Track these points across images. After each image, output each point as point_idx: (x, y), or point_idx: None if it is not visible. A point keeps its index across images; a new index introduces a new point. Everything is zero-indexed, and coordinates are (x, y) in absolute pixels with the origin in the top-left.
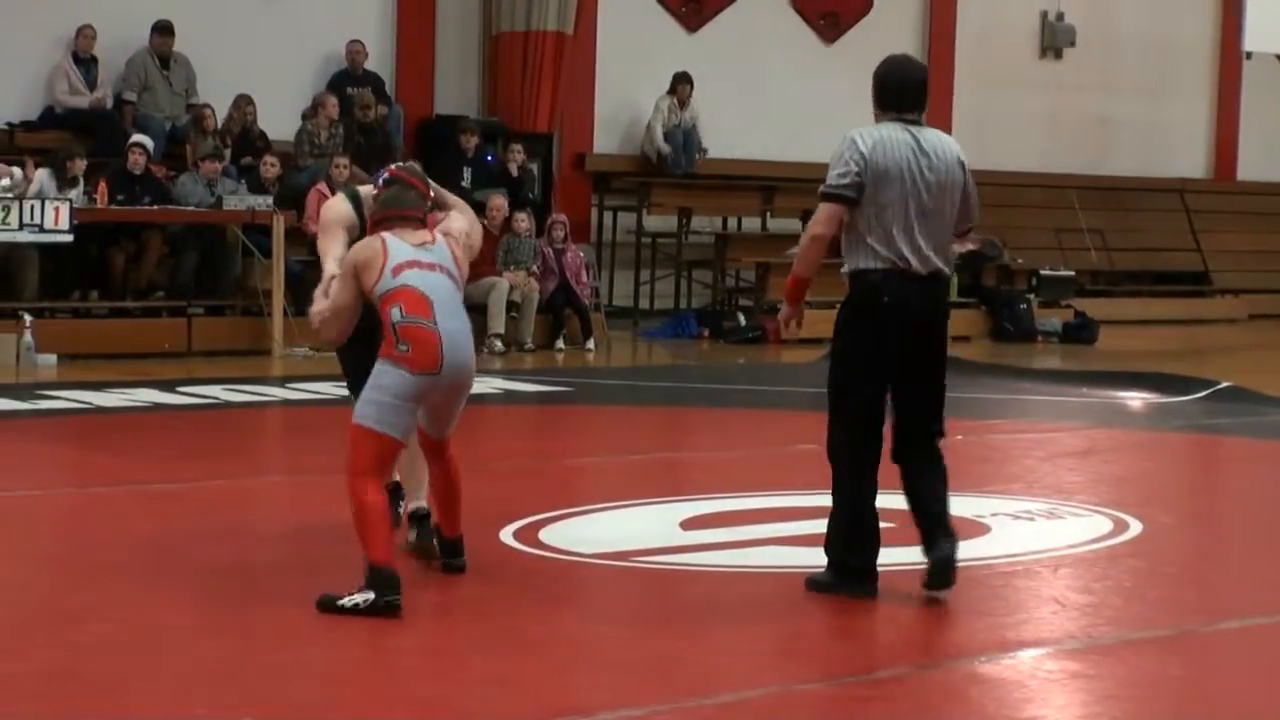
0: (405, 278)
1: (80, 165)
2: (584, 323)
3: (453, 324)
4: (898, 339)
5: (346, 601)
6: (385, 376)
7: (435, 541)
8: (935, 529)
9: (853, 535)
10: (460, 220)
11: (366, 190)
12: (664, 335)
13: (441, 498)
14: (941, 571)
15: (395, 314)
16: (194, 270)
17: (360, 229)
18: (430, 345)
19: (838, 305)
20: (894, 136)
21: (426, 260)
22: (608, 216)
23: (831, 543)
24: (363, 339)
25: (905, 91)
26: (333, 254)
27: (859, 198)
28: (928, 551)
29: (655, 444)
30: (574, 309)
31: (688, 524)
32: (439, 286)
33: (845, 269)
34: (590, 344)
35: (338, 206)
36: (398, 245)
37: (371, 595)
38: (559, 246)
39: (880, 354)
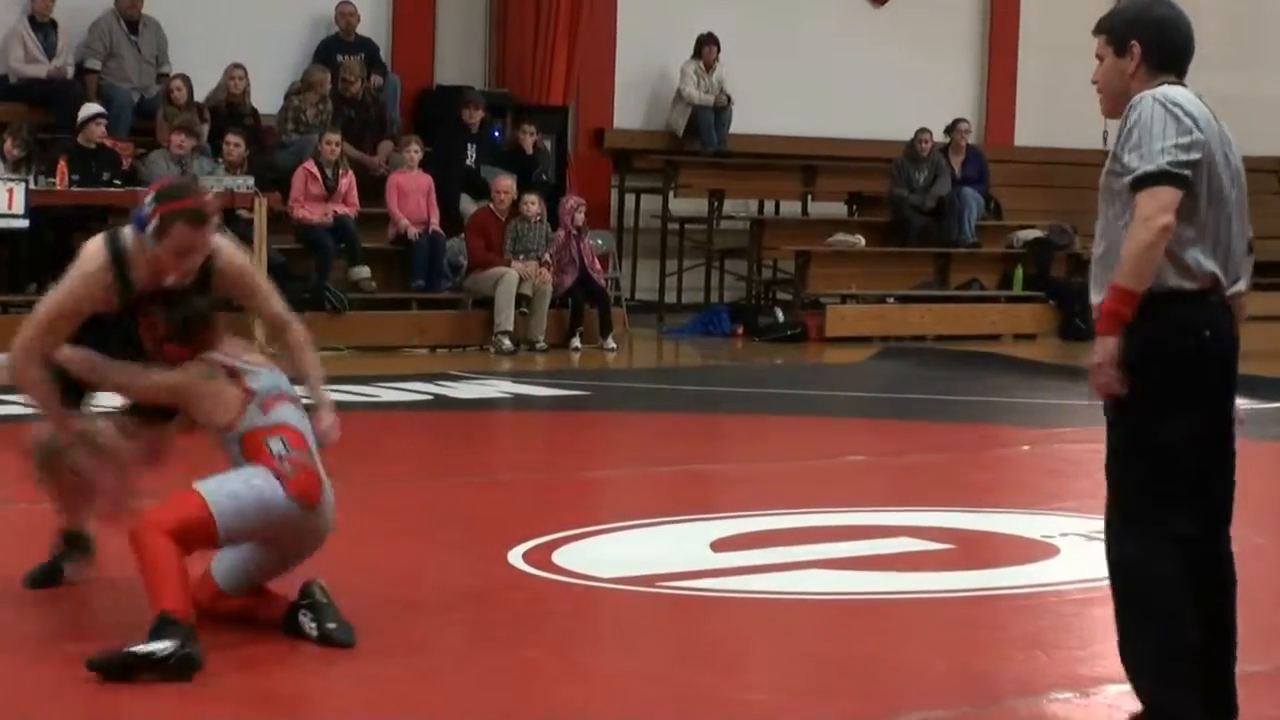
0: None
1: (13, 147)
2: (604, 318)
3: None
4: (1223, 393)
5: (140, 649)
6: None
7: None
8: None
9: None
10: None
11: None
12: (692, 333)
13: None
14: None
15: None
16: None
17: None
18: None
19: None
20: (1200, 104)
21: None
22: (629, 199)
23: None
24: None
25: (1190, 49)
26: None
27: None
28: None
29: (682, 455)
30: (593, 303)
31: (719, 545)
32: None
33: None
34: (610, 342)
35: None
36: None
37: (169, 645)
38: (576, 233)
39: (1205, 410)
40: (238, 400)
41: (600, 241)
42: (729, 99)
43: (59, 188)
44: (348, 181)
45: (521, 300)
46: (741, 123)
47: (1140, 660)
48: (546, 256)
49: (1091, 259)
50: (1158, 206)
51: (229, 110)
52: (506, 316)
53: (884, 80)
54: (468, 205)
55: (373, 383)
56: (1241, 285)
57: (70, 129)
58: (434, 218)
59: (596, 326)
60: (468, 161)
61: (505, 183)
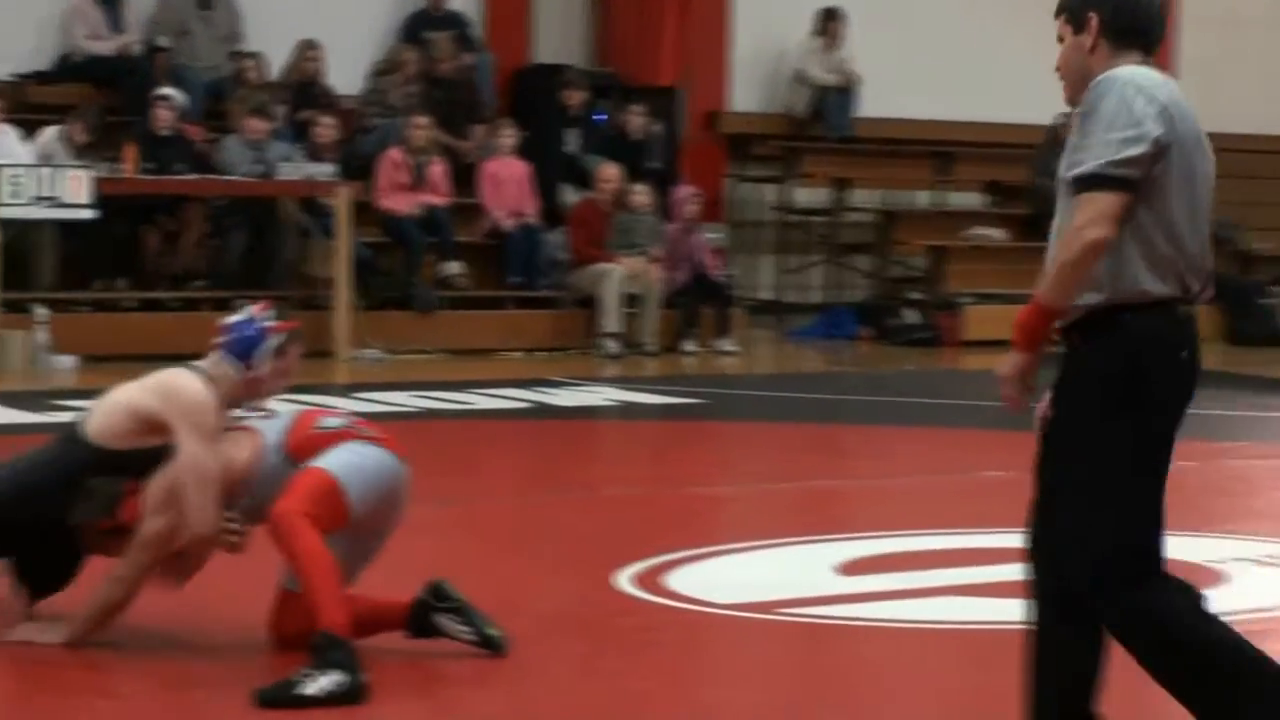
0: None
1: (82, 130)
2: (720, 319)
3: None
4: (1174, 423)
5: (310, 690)
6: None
7: None
8: None
9: None
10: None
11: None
12: (815, 335)
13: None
14: None
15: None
16: (241, 254)
17: None
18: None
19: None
20: (1174, 90)
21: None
22: (746, 189)
23: None
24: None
25: (1155, 20)
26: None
27: (1142, 179)
28: None
29: (805, 469)
30: (707, 302)
31: (846, 568)
32: None
33: (1089, 300)
34: (727, 345)
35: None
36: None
37: (338, 679)
38: (689, 226)
39: (1160, 444)
40: (249, 445)
41: (715, 235)
42: (855, 79)
43: (128, 175)
44: (437, 169)
45: (628, 299)
46: (869, 105)
47: None
48: (656, 251)
49: (1046, 262)
50: (1092, 216)
51: (303, 91)
52: (612, 317)
53: (1025, 59)
54: (568, 196)
55: (465, 389)
56: (1211, 293)
57: (139, 112)
58: (531, 209)
59: (711, 328)
60: (568, 148)
61: (610, 171)
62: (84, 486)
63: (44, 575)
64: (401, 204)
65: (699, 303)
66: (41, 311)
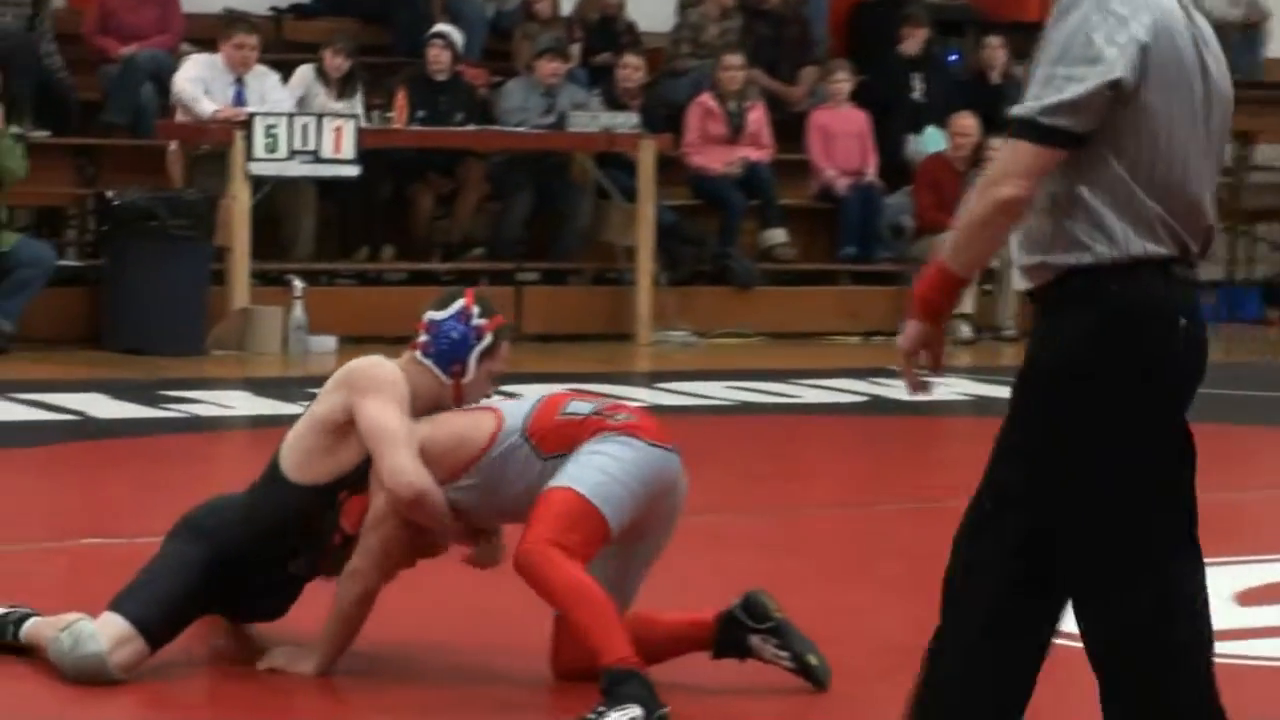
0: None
1: (335, 56)
2: None
3: None
4: (1180, 410)
5: None
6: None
7: None
8: None
9: None
10: None
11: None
12: (1210, 318)
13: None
14: None
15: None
16: (525, 219)
17: None
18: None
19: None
20: (1168, 8)
21: None
22: None
23: None
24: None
25: None
26: None
27: (1089, 129)
28: None
29: (1199, 478)
30: None
31: (1245, 597)
32: None
33: (1050, 261)
34: None
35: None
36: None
37: (636, 712)
38: None
39: (1168, 445)
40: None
41: None
42: (1263, 14)
43: (398, 126)
44: (757, 119)
45: (983, 275)
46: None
47: None
48: None
49: None
50: (1009, 168)
51: (601, 28)
52: (965, 296)
53: None
54: (914, 151)
55: (789, 379)
56: (1209, 252)
57: (410, 53)
58: (870, 167)
59: None
60: (914, 95)
61: (965, 123)
62: (299, 536)
63: (256, 614)
64: (715, 160)
65: None
66: (297, 285)
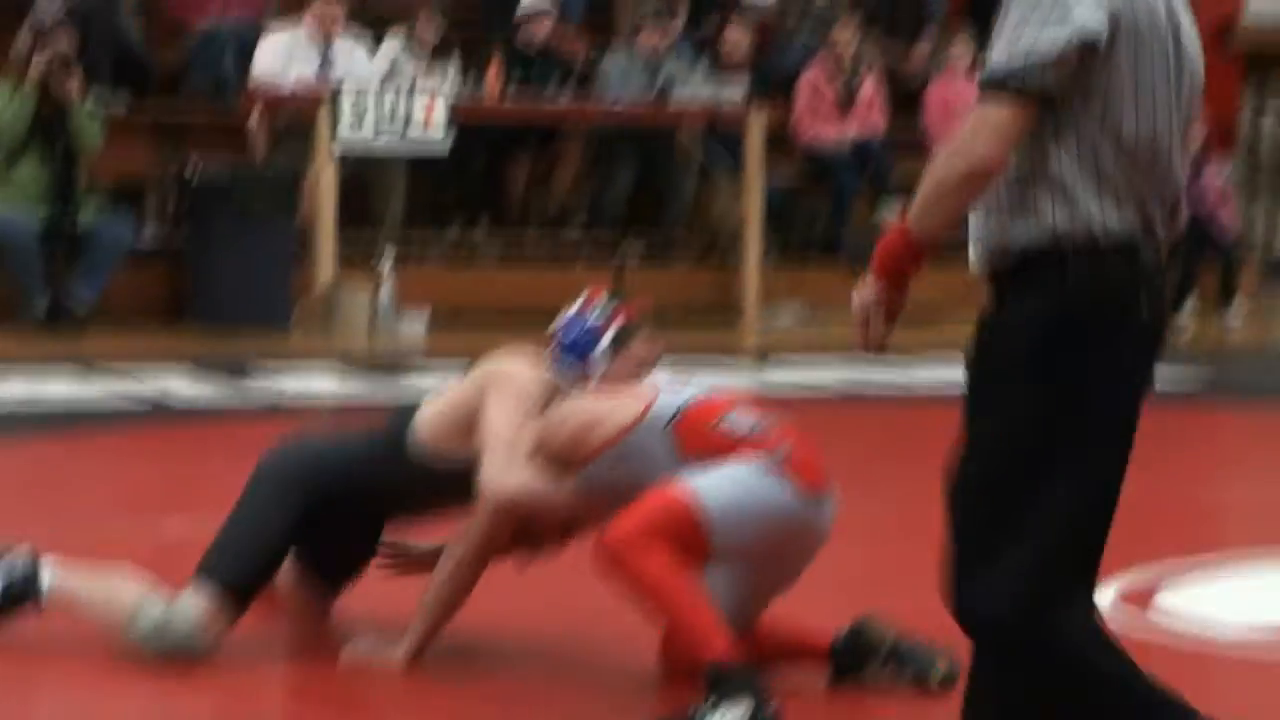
0: None
1: (430, 33)
2: (1227, 279)
3: None
4: (1145, 383)
5: None
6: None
7: None
8: None
9: None
10: None
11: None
12: None
13: None
14: None
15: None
16: (627, 195)
17: None
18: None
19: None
20: None
21: None
22: (1267, 121)
23: None
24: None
25: None
26: None
27: (1064, 86)
28: None
29: None
30: (1212, 257)
31: None
32: None
33: (1010, 235)
34: (1236, 311)
35: None
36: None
37: (742, 712)
38: (1192, 162)
39: (1123, 406)
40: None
41: (1224, 175)
42: None
43: (491, 99)
44: (870, 90)
45: None
46: None
47: None
48: None
49: None
50: (979, 129)
51: None
52: None
53: None
54: None
55: (901, 360)
56: (1180, 229)
57: (505, 21)
58: None
59: (1216, 290)
60: None
61: None
62: (400, 500)
63: (338, 564)
64: (827, 133)
65: (1200, 258)
66: (386, 261)
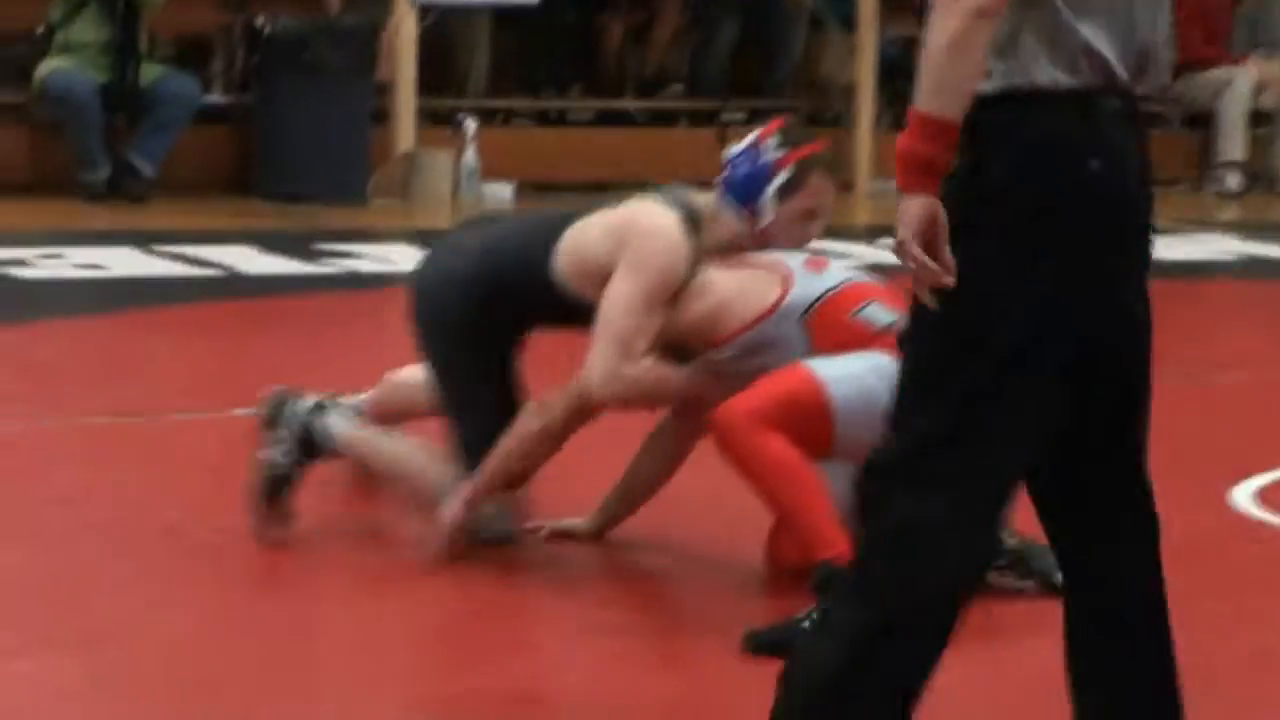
0: None
1: None
2: None
3: None
4: (1118, 267)
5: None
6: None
7: None
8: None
9: None
10: None
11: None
12: None
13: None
14: None
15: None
16: (730, 52)
17: None
18: None
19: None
20: None
21: None
22: None
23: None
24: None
25: None
26: None
27: None
28: None
29: None
30: None
31: None
32: None
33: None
34: None
35: None
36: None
37: None
38: None
39: (1081, 301)
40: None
41: None
42: None
43: None
44: None
45: (1255, 118)
46: None
47: None
48: None
49: None
50: None
51: None
52: (1233, 141)
53: None
54: None
55: None
56: (1159, 82)
57: None
58: None
59: None
60: None
61: None
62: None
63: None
64: None
65: None
66: (471, 125)
